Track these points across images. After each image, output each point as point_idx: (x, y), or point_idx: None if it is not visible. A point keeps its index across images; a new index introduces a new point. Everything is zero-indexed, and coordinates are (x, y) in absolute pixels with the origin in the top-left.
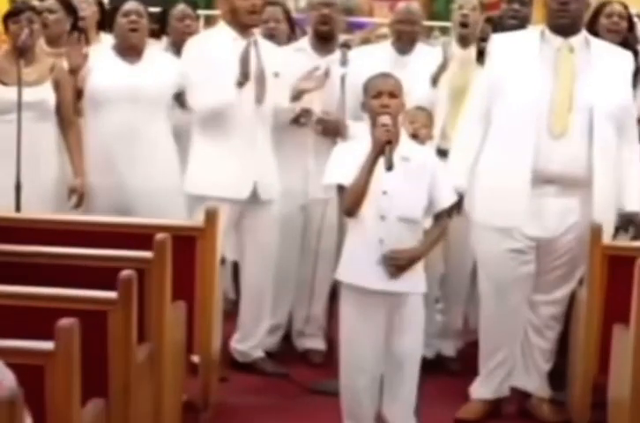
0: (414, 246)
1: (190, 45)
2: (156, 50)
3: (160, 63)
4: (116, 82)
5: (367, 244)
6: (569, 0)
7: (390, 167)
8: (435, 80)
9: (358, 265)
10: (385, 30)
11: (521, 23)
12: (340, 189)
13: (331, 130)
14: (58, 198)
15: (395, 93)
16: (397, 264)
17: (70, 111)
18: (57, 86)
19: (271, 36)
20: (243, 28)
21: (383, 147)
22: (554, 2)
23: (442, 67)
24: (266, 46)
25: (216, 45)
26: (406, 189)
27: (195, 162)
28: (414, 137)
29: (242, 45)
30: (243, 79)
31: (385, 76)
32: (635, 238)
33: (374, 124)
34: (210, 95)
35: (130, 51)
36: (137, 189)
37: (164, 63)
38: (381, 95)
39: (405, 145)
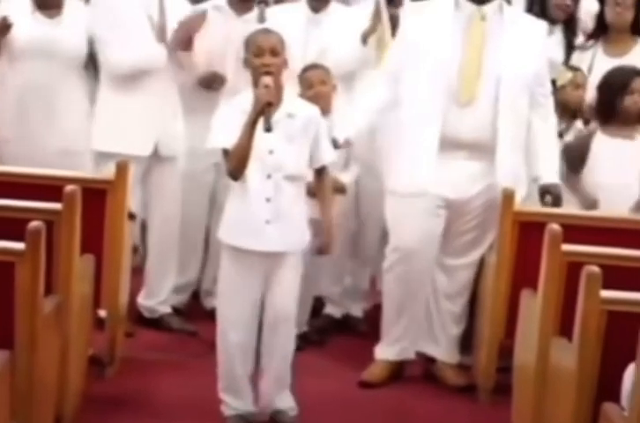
0: (319, 220)
1: (94, 1)
2: (75, 3)
3: (80, 17)
4: (32, 35)
5: (253, 204)
6: None
7: (268, 129)
8: (365, 39)
9: (243, 226)
10: None
11: None
12: (225, 152)
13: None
14: None
15: (277, 50)
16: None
17: None
18: None
19: None
20: None
21: (263, 108)
22: None
23: (373, 25)
24: (176, 1)
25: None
26: (292, 147)
27: (100, 118)
28: (316, 97)
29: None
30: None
31: (267, 32)
32: (553, 207)
33: (255, 82)
34: (131, 52)
35: (47, 4)
36: (47, 145)
37: (81, 20)
38: (263, 53)
39: (290, 103)
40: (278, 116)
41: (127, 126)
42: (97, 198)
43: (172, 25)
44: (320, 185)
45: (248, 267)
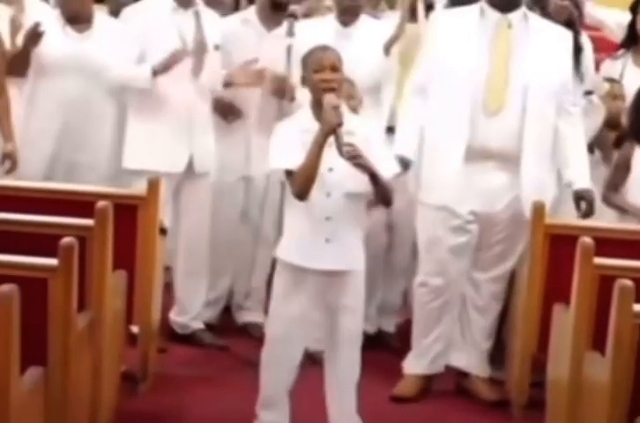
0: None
1: (125, 16)
2: (106, 18)
3: (109, 32)
4: (63, 50)
5: (312, 222)
6: None
7: (342, 152)
8: (387, 49)
9: (302, 244)
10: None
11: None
12: (288, 173)
13: (280, 91)
14: None
15: (336, 67)
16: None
17: (2, 79)
18: None
19: (215, 4)
20: None
21: (333, 130)
22: None
23: (397, 35)
24: (208, 16)
25: (153, 16)
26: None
27: (131, 136)
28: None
29: (182, 15)
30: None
31: (325, 49)
32: (586, 215)
33: (316, 99)
34: (126, 70)
35: (75, 19)
36: (75, 160)
37: (115, 32)
38: (323, 69)
39: (348, 119)
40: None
41: (159, 143)
42: (129, 214)
43: (211, 43)
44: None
45: (304, 285)
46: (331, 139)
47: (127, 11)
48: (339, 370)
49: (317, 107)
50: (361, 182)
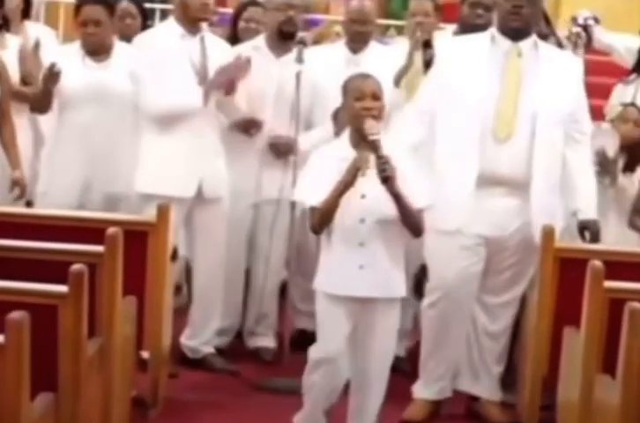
0: None
1: (137, 44)
2: (124, 52)
3: (127, 60)
4: (82, 81)
5: (346, 248)
6: (522, 4)
7: (385, 180)
8: (397, 81)
9: (336, 271)
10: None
11: (484, 28)
12: (312, 208)
13: (283, 152)
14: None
15: (377, 95)
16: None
17: (7, 106)
18: None
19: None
20: (193, 23)
21: (356, 174)
22: (508, 4)
23: (406, 67)
24: (214, 42)
25: (163, 43)
26: (384, 190)
27: (143, 161)
28: None
29: (190, 42)
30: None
31: (366, 77)
32: (591, 243)
33: (355, 127)
34: (166, 96)
35: (98, 51)
36: (99, 190)
37: (131, 59)
38: (364, 97)
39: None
40: (371, 162)
41: (170, 168)
42: (139, 240)
43: (213, 69)
44: None
45: (340, 312)
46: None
47: (139, 39)
48: (367, 397)
49: (356, 135)
50: (395, 209)
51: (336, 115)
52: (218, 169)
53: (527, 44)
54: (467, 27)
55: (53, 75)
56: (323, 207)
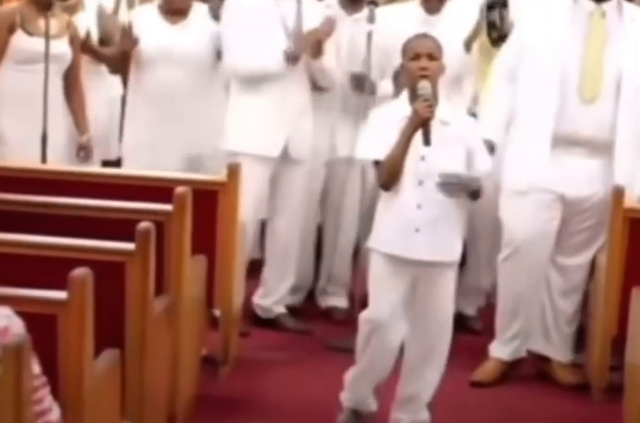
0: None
1: (230, 4)
2: (201, 13)
3: (205, 23)
4: (158, 43)
5: (403, 210)
6: None
7: (428, 142)
8: (468, 46)
9: (393, 232)
10: None
11: None
12: (376, 162)
13: (362, 85)
14: (68, 151)
15: (434, 55)
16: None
17: (78, 70)
18: (71, 43)
19: None
20: None
21: (422, 123)
22: None
23: (476, 32)
24: (310, 3)
25: (255, 4)
26: (444, 154)
27: (231, 119)
28: None
29: (283, 3)
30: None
31: (424, 37)
32: None
33: (411, 87)
34: (255, 60)
35: (175, 13)
36: (177, 151)
37: (207, 27)
38: (419, 57)
39: (443, 109)
40: (432, 123)
41: (257, 126)
42: (209, 200)
43: (307, 30)
44: None
45: (396, 273)
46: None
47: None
48: (426, 367)
49: (413, 94)
50: (455, 172)
51: (396, 76)
52: (305, 130)
53: (611, 5)
54: None
55: (129, 37)
56: (388, 160)
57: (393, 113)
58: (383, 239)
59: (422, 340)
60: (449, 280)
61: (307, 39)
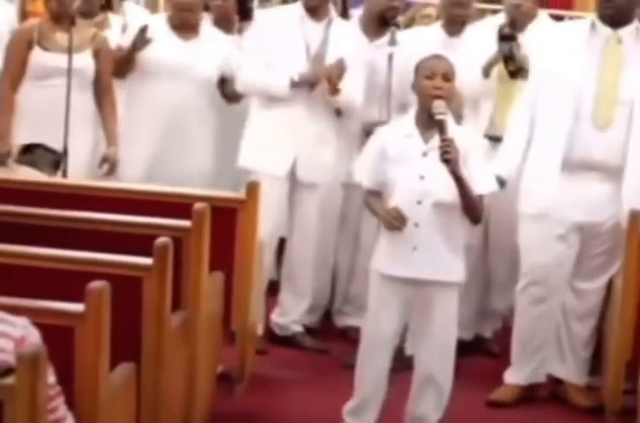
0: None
1: (258, 19)
2: (212, 32)
3: (214, 47)
4: (167, 56)
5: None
6: None
7: (447, 161)
8: (487, 72)
9: (391, 251)
10: (431, 10)
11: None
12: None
13: None
14: (90, 166)
15: (449, 76)
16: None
17: (109, 81)
18: (97, 56)
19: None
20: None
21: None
22: None
23: (494, 60)
24: (341, 27)
25: (281, 23)
26: (444, 173)
27: (247, 136)
28: None
29: (311, 26)
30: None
31: (439, 57)
32: None
33: (422, 105)
34: (262, 80)
35: (183, 26)
36: (171, 165)
37: (219, 43)
38: (434, 76)
39: (451, 129)
40: (434, 142)
41: (266, 145)
42: (228, 217)
43: (332, 54)
44: None
45: (392, 293)
46: (426, 148)
47: (260, 15)
48: (430, 390)
49: (422, 113)
50: (454, 193)
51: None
52: (321, 156)
53: (628, 31)
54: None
55: (144, 35)
56: (369, 207)
57: (397, 130)
58: (380, 257)
59: (423, 361)
60: (449, 301)
61: (316, 72)
